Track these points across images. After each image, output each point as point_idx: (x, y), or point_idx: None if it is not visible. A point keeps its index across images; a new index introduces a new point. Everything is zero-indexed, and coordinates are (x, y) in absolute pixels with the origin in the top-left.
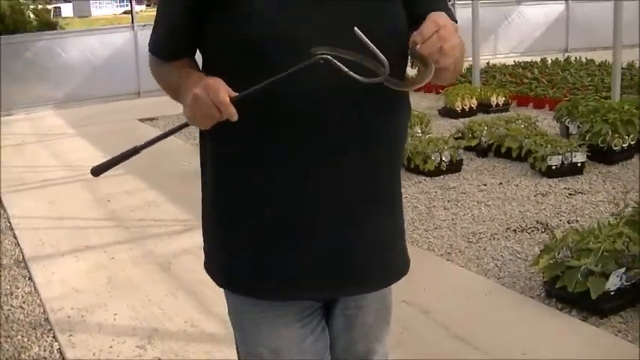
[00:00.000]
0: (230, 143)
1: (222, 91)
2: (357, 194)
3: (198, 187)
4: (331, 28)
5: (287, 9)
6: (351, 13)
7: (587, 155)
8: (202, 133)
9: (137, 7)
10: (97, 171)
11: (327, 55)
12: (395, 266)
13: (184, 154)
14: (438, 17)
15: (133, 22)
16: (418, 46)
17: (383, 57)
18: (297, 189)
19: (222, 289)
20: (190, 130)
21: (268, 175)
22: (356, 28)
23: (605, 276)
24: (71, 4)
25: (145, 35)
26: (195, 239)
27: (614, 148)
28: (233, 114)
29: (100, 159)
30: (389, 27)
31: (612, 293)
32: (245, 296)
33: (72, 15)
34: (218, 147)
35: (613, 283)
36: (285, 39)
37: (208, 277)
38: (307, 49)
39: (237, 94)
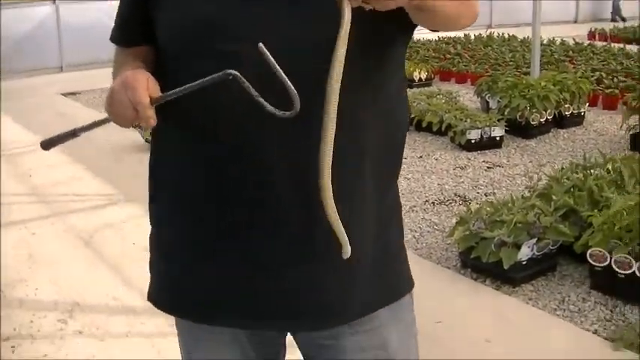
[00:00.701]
0: (161, 141)
1: (141, 90)
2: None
3: (121, 161)
4: (261, 21)
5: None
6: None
7: (505, 129)
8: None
9: None
10: (46, 144)
11: (234, 72)
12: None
13: (107, 127)
14: None
15: None
16: None
17: (293, 90)
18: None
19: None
20: None
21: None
22: (260, 45)
23: (517, 246)
24: None
25: (67, 9)
26: (118, 214)
27: (532, 123)
28: (149, 117)
29: (21, 134)
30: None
31: (524, 263)
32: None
33: None
34: (153, 143)
35: (524, 253)
36: (214, 28)
37: (130, 251)
38: (238, 38)
39: (160, 94)
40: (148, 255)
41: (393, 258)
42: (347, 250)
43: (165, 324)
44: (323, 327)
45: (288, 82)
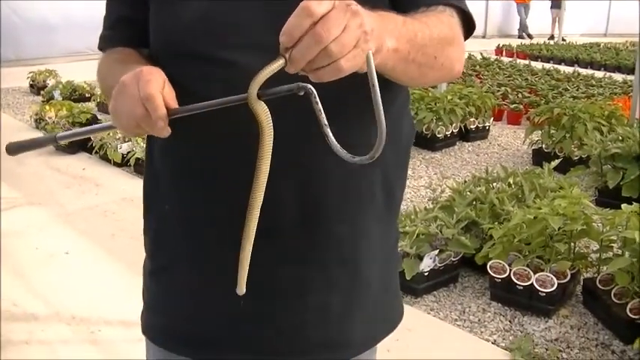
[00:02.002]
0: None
1: (155, 84)
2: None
3: (25, 164)
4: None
5: None
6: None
7: None
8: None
9: None
10: (12, 149)
11: (308, 87)
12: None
13: (6, 127)
14: None
15: None
16: (288, 53)
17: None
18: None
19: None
20: (18, 103)
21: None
22: (369, 54)
23: (420, 258)
24: None
25: None
26: (22, 218)
27: (438, 136)
28: (160, 117)
29: None
30: None
31: (426, 274)
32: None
33: None
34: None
35: (427, 264)
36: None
37: (33, 256)
38: (230, 40)
39: (178, 106)
40: (51, 260)
41: (396, 290)
42: (241, 289)
43: (66, 331)
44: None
45: (382, 121)
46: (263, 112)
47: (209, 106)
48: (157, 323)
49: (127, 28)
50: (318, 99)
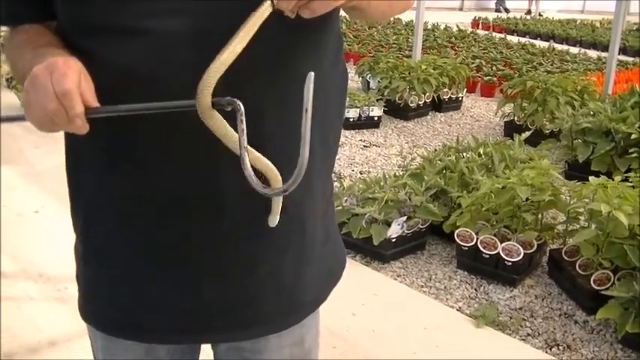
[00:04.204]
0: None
1: (72, 78)
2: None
3: None
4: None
5: None
6: None
7: (384, 110)
8: None
9: None
10: None
11: (238, 103)
12: (298, 299)
13: None
14: None
15: None
16: None
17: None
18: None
19: None
20: None
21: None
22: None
23: (388, 224)
24: None
25: None
26: None
27: (410, 105)
28: (77, 115)
29: None
30: None
31: (394, 240)
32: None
33: None
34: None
35: (394, 230)
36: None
37: (1, 216)
38: (145, 7)
39: (97, 105)
40: (20, 218)
41: (335, 236)
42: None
43: (34, 288)
44: (279, 329)
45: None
46: (218, 124)
47: (134, 109)
48: (97, 309)
49: (31, 2)
50: (244, 117)
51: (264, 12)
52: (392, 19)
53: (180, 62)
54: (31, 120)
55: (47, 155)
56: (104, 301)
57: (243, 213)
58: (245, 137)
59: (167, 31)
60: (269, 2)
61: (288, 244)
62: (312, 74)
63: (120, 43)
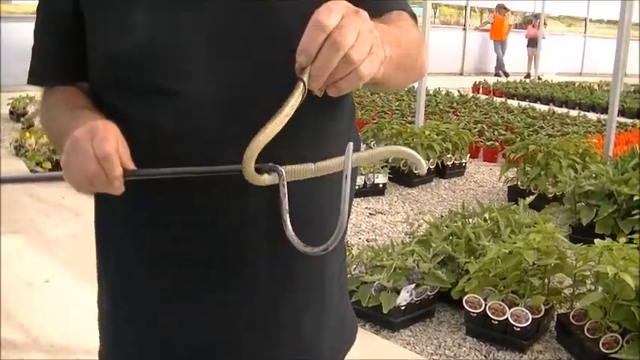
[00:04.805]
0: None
1: (111, 142)
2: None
3: (6, 192)
4: (211, 36)
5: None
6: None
7: (389, 177)
8: None
9: None
10: None
11: (281, 170)
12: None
13: None
14: (325, 9)
15: None
16: (306, 73)
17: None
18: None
19: None
20: None
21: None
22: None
23: (397, 291)
24: None
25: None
26: (2, 246)
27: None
28: (116, 177)
29: None
30: (276, 28)
31: (403, 308)
32: None
33: None
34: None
35: (403, 298)
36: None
37: (12, 285)
38: (175, 70)
39: (134, 168)
40: (31, 287)
41: (347, 300)
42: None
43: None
44: None
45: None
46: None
47: (172, 173)
48: None
49: (65, 63)
50: (285, 182)
51: (298, 93)
52: None
53: (208, 123)
54: (70, 181)
55: (58, 224)
56: (132, 356)
57: (270, 270)
58: (286, 201)
59: (197, 93)
60: (301, 84)
61: (309, 301)
62: (351, 144)
63: (151, 104)
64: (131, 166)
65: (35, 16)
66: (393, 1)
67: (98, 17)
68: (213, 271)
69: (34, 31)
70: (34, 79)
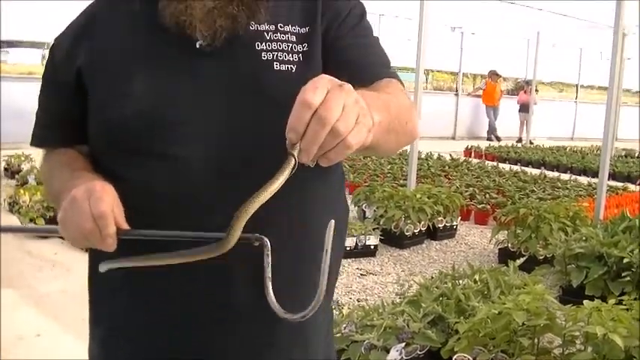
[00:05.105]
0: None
1: (107, 202)
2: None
3: None
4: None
5: (150, 83)
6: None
7: (380, 239)
8: None
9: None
10: None
11: (264, 239)
12: None
13: None
14: (310, 87)
15: None
16: (296, 149)
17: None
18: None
19: None
20: None
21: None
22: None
23: (387, 350)
24: None
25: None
26: None
27: (406, 234)
28: (109, 235)
29: None
30: (269, 97)
31: None
32: None
33: None
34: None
35: (393, 356)
36: (152, 122)
37: (3, 339)
38: (172, 136)
39: (128, 228)
40: (21, 342)
41: (334, 357)
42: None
43: None
44: None
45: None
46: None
47: (163, 235)
48: None
49: (66, 126)
50: (270, 252)
51: (289, 168)
52: None
53: (201, 186)
54: (66, 236)
55: (50, 280)
56: None
57: (253, 327)
58: (270, 269)
59: (192, 156)
60: (292, 158)
61: (292, 356)
62: (332, 222)
63: (148, 167)
64: (125, 225)
65: (30, 76)
66: (381, 69)
67: (99, 87)
68: (203, 324)
69: (39, 97)
70: (36, 141)
